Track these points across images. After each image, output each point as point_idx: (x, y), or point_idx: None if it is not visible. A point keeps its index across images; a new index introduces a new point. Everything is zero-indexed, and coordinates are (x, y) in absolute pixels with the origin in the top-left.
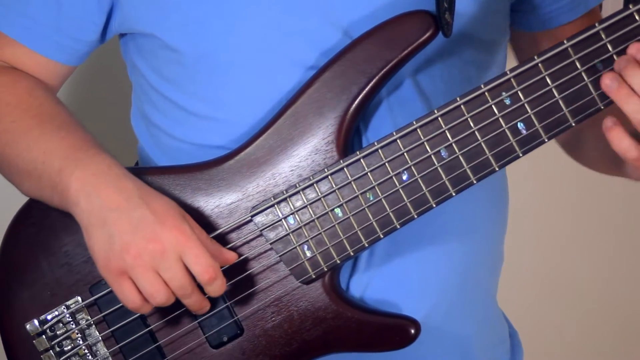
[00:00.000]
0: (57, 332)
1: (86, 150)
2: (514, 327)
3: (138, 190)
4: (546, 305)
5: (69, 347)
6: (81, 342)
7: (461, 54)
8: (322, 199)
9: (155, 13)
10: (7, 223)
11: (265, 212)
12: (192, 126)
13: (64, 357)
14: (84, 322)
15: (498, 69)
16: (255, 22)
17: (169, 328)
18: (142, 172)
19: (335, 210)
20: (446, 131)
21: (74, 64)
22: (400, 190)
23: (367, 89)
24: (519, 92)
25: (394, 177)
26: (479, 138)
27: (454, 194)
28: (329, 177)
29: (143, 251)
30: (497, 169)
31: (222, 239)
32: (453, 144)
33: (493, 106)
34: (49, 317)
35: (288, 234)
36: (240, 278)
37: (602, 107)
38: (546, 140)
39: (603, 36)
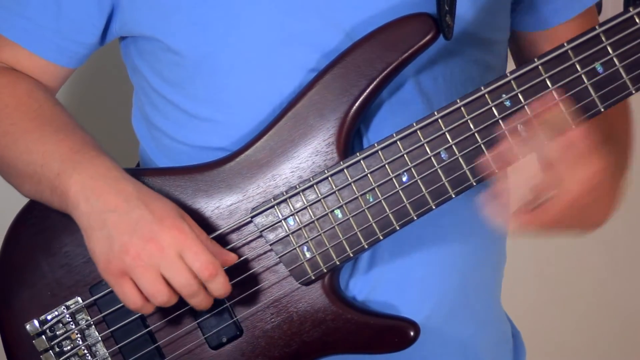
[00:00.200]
0: (57, 333)
1: (85, 152)
2: (516, 327)
3: (137, 191)
4: (548, 306)
5: (69, 347)
6: (81, 343)
7: (463, 54)
8: (322, 200)
9: (156, 16)
10: (8, 224)
11: (265, 213)
12: (194, 128)
13: (63, 357)
14: (83, 322)
15: (500, 67)
16: (256, 24)
17: (169, 328)
18: (143, 173)
19: (335, 211)
20: (446, 133)
21: (74, 66)
22: (400, 191)
23: (367, 91)
24: (519, 94)
25: (393, 179)
26: (479, 140)
27: (453, 196)
28: (329, 178)
29: (142, 251)
30: (497, 171)
31: (222, 240)
32: (453, 146)
33: (493, 108)
34: (48, 318)
35: (288, 235)
36: (239, 279)
37: (603, 110)
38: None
39: (603, 38)
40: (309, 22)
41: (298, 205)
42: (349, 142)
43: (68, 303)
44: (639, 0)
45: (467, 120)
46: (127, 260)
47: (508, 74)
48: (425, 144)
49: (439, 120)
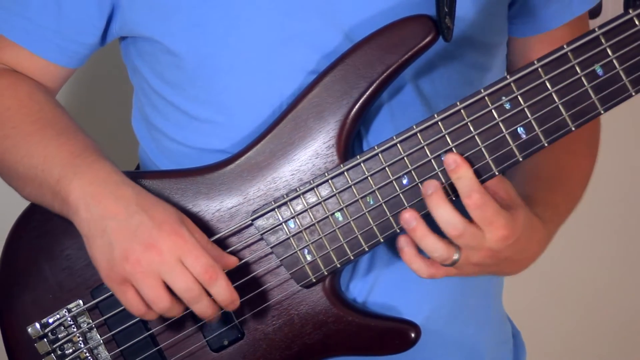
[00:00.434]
0: (59, 336)
1: (85, 157)
2: (516, 327)
3: (137, 197)
4: (548, 305)
5: (70, 350)
6: (82, 346)
7: (462, 57)
8: (322, 203)
9: (156, 16)
10: (9, 227)
11: (266, 216)
12: (194, 130)
13: None
14: (85, 325)
15: (498, 70)
16: (256, 25)
17: (170, 332)
18: (144, 176)
19: (335, 214)
20: (446, 135)
21: (74, 66)
22: (400, 194)
23: (367, 93)
24: (518, 96)
25: (394, 182)
26: (479, 143)
27: (454, 198)
28: (330, 181)
29: (142, 257)
30: (496, 173)
31: (223, 243)
32: (453, 149)
33: (493, 110)
34: (50, 321)
35: (288, 238)
36: (240, 282)
37: (603, 112)
38: (546, 144)
39: (603, 41)
40: (309, 23)
41: (299, 208)
42: (349, 144)
43: (70, 306)
44: (639, 1)
45: (467, 123)
46: (127, 267)
47: (508, 76)
48: (425, 147)
49: (439, 122)
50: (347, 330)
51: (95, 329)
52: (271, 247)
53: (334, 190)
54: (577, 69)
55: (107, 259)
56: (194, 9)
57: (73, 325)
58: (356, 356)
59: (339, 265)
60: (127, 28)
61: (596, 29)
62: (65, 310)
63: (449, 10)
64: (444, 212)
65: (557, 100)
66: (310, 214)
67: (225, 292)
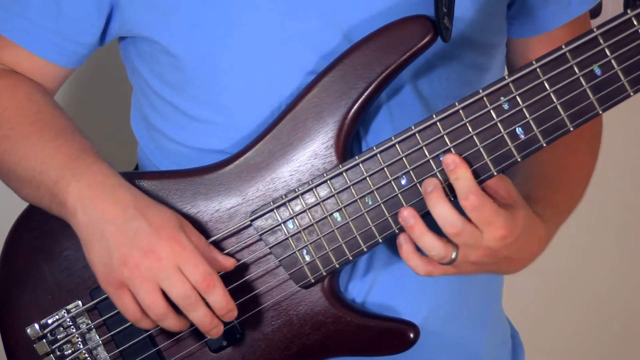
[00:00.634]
0: (58, 336)
1: (83, 159)
2: (515, 328)
3: (135, 201)
4: (547, 305)
5: (70, 351)
6: (81, 346)
7: (460, 57)
8: (321, 203)
9: (155, 16)
10: (8, 228)
11: (265, 216)
12: (193, 130)
13: None
14: (84, 326)
15: (497, 71)
16: (255, 25)
17: (169, 332)
18: (142, 176)
19: (334, 214)
20: (444, 136)
21: (73, 66)
22: (399, 194)
23: (366, 93)
24: (517, 96)
25: (392, 182)
26: (478, 143)
27: (452, 199)
28: (328, 181)
29: (140, 263)
30: (495, 173)
31: (222, 243)
32: (451, 149)
33: (491, 111)
34: (49, 321)
35: (287, 239)
36: (239, 282)
37: (601, 112)
38: (544, 144)
39: (601, 41)
40: (309, 23)
41: (297, 208)
42: (348, 145)
43: (69, 307)
44: (638, 1)
45: (465, 123)
46: (125, 272)
47: (506, 77)
48: (423, 147)
49: (438, 123)
50: (346, 330)
51: (94, 330)
52: (270, 248)
53: (333, 190)
54: (576, 69)
55: (105, 263)
56: (193, 9)
57: (72, 326)
58: (355, 356)
59: (337, 266)
60: (126, 28)
61: (594, 29)
62: (64, 310)
63: (448, 10)
64: (442, 210)
65: (555, 100)
66: (309, 214)
67: (222, 301)
